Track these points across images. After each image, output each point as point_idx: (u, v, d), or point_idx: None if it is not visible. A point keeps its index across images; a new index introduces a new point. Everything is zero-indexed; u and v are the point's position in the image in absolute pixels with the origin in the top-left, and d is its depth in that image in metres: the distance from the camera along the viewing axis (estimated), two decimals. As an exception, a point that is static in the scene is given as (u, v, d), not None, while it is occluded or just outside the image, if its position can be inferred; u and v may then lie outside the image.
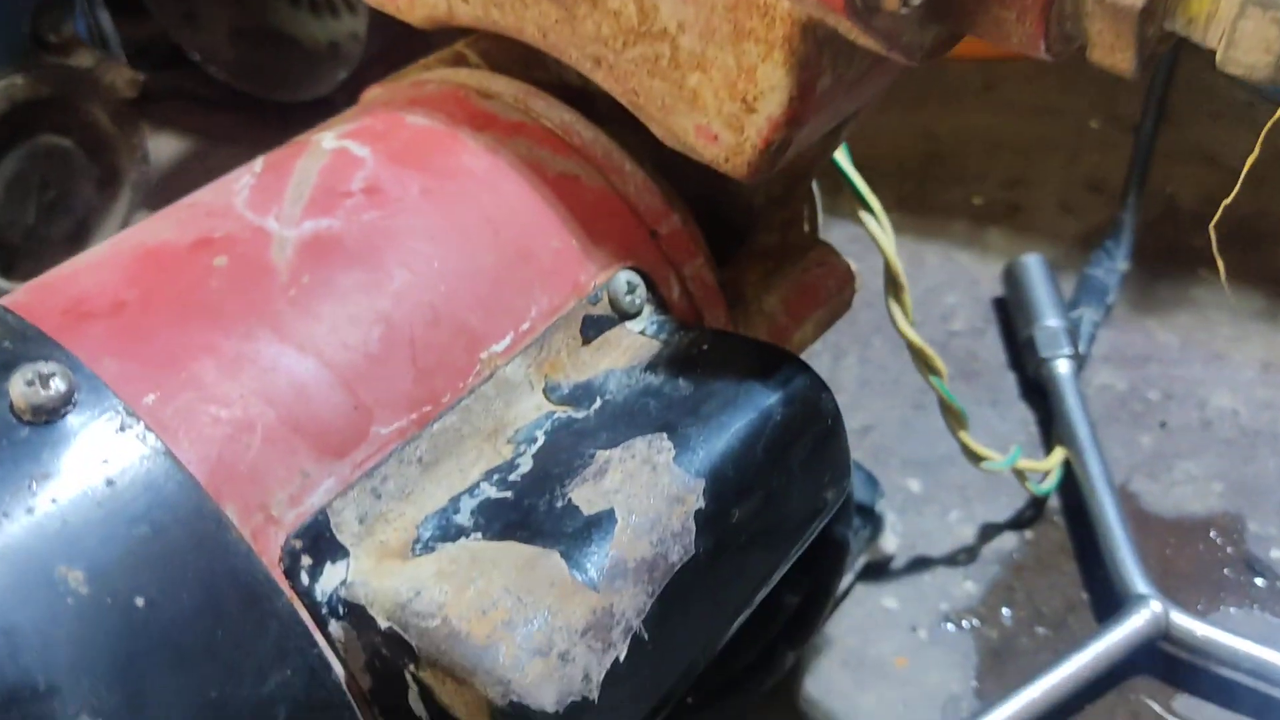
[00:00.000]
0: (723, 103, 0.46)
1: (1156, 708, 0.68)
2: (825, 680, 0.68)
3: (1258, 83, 0.36)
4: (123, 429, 0.36)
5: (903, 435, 0.83)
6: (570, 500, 0.40)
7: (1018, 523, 0.78)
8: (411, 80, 0.56)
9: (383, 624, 0.38)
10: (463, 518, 0.41)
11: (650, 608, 0.39)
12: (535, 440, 0.44)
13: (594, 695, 0.37)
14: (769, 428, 0.43)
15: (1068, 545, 0.76)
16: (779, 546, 0.45)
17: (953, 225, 0.99)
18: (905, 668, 0.70)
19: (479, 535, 0.40)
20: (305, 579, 0.38)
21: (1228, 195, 0.44)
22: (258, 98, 1.14)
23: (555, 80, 0.56)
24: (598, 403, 0.45)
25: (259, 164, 0.50)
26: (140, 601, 0.34)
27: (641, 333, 0.48)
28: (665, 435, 0.42)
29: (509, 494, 0.41)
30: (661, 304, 0.50)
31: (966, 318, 0.91)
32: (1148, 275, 0.93)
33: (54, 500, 0.34)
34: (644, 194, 0.51)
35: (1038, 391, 0.85)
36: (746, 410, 0.43)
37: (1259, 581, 0.74)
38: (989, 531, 0.77)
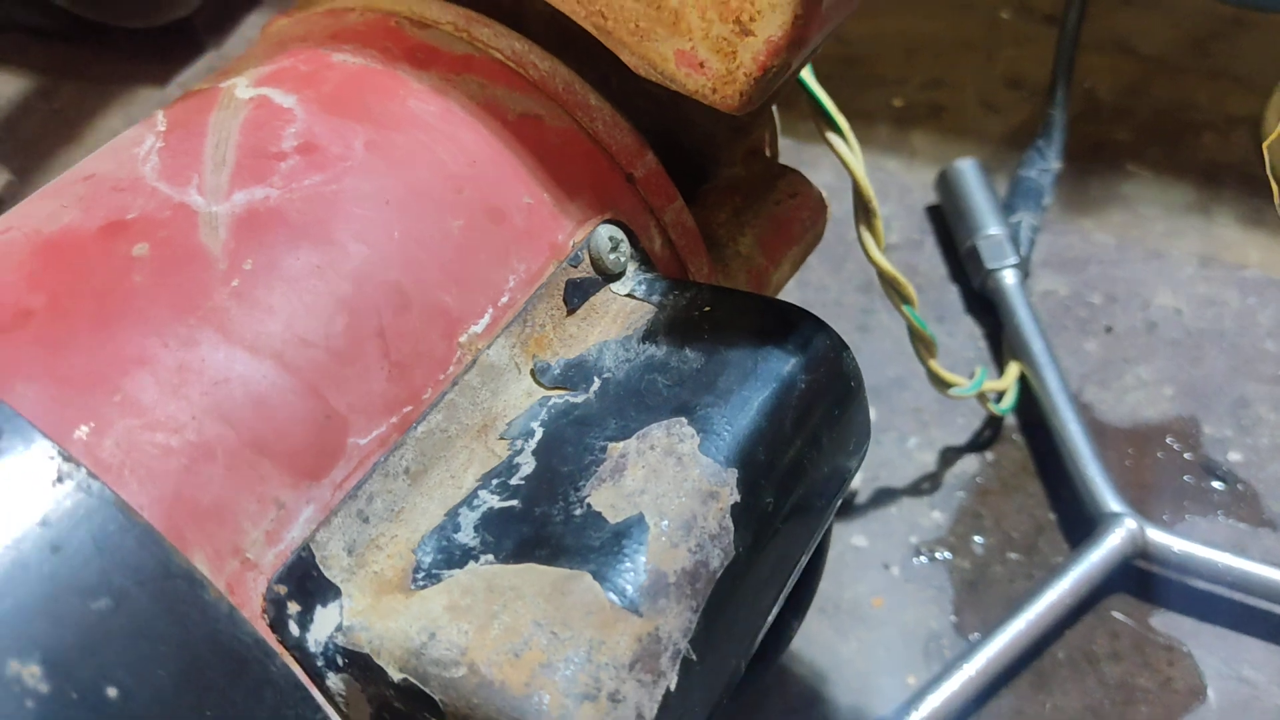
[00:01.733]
0: (711, 24, 0.40)
1: (1135, 626, 0.67)
2: (805, 631, 0.65)
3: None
4: (61, 479, 0.30)
5: (851, 360, 0.79)
6: (590, 506, 0.35)
7: (977, 444, 0.75)
8: (325, 9, 0.48)
9: (395, 676, 0.32)
10: (466, 536, 0.35)
11: (696, 625, 0.34)
12: (533, 434, 0.38)
13: (648, 734, 0.32)
14: (794, 399, 0.39)
15: (1029, 464, 0.74)
16: (812, 526, 0.40)
17: (876, 130, 0.95)
18: (882, 608, 0.67)
19: (490, 557, 0.34)
20: (295, 629, 0.32)
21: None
22: (105, 25, 1.02)
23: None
24: (596, 383, 0.40)
25: (160, 121, 0.42)
26: (112, 691, 0.28)
27: (630, 295, 0.43)
28: (684, 419, 0.37)
29: (515, 502, 0.36)
30: (645, 258, 0.44)
31: (902, 229, 0.87)
32: (1077, 174, 0.91)
33: (-13, 580, 0.28)
34: (614, 131, 0.45)
35: (983, 303, 0.82)
36: (768, 381, 0.39)
37: (1218, 486, 0.73)
38: (950, 456, 0.74)
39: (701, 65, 0.41)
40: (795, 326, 0.40)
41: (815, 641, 0.65)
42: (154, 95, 0.99)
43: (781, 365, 0.39)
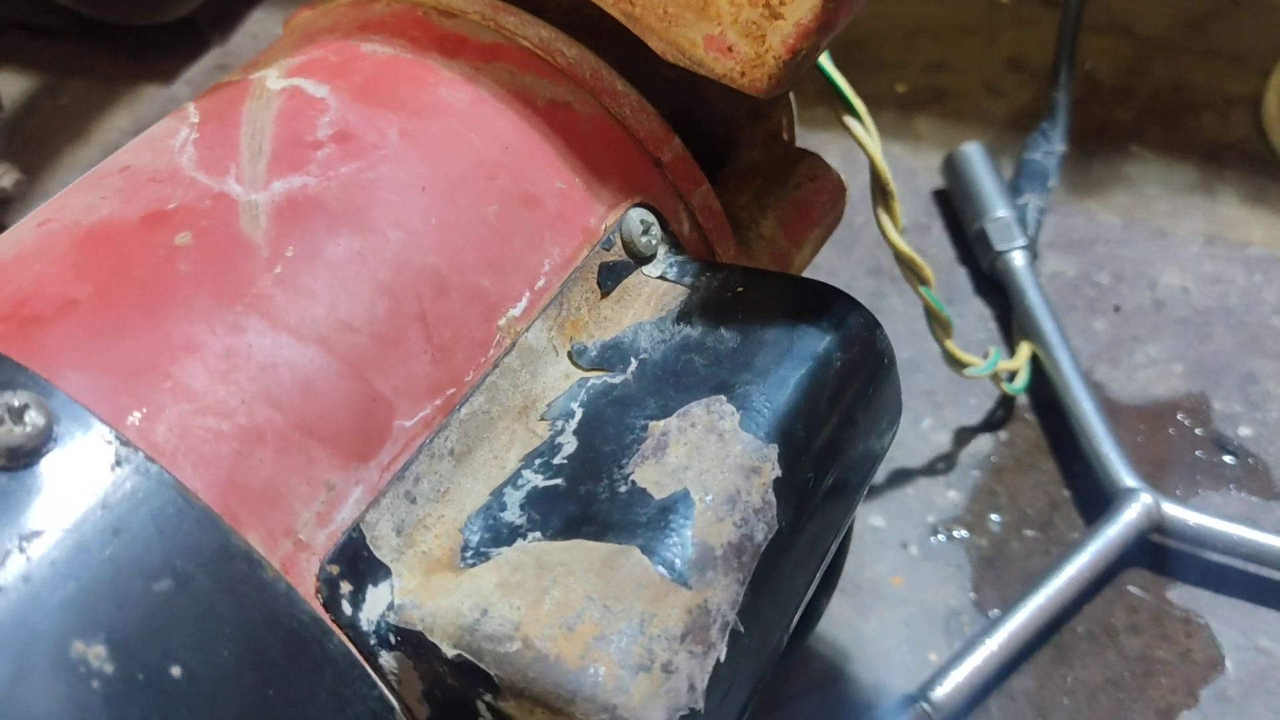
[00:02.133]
0: (740, 9, 0.41)
1: (1152, 599, 0.67)
2: (826, 611, 0.65)
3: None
4: (119, 462, 0.30)
5: (863, 343, 0.79)
6: (634, 483, 0.36)
7: (991, 424, 0.76)
8: (350, 1, 0.49)
9: (449, 652, 0.32)
10: (512, 514, 0.35)
11: (743, 597, 0.34)
12: (573, 414, 0.38)
13: (700, 704, 0.33)
14: (831, 376, 0.39)
15: (1042, 442, 0.75)
16: (848, 503, 0.41)
17: (880, 115, 0.95)
18: (902, 586, 0.68)
19: (537, 534, 0.35)
20: (347, 608, 0.33)
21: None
22: (108, 22, 1.02)
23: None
24: (633, 364, 0.40)
25: (193, 113, 0.43)
26: (177, 671, 0.28)
27: (661, 277, 0.43)
28: (723, 397, 0.38)
29: (559, 481, 0.36)
30: (674, 241, 0.45)
31: (909, 213, 0.88)
32: (1080, 155, 0.91)
33: (53, 563, 0.28)
34: (641, 117, 0.46)
35: (992, 285, 0.82)
36: (804, 359, 0.39)
37: (1230, 460, 0.73)
38: (964, 436, 0.75)
39: (730, 49, 0.42)
40: (829, 305, 0.41)
41: (837, 620, 0.65)
42: (159, 92, 0.99)
43: (817, 343, 0.40)
